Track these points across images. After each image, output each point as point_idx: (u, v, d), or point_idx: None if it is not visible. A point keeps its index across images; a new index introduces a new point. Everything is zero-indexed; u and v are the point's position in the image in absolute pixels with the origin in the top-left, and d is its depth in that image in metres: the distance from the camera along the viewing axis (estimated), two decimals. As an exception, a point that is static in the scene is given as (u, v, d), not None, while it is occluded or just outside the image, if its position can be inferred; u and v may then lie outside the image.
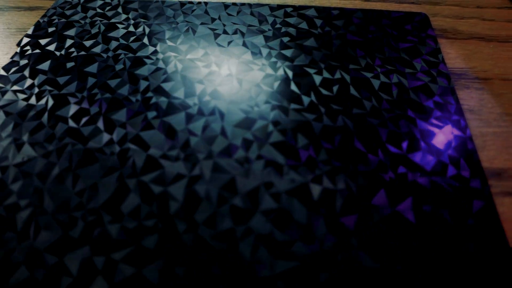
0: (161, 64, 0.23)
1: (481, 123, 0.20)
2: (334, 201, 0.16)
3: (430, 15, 0.27)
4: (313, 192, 0.17)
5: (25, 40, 0.25)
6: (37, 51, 0.24)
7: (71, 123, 0.20)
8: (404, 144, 0.18)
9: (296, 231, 0.16)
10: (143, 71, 0.22)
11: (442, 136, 0.19)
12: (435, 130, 0.19)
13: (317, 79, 0.22)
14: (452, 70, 0.23)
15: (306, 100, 0.21)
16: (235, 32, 0.25)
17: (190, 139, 0.19)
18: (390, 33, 0.25)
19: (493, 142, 0.19)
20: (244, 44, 0.24)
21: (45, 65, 0.23)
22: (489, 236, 0.15)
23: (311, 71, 0.22)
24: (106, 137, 0.19)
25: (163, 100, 0.21)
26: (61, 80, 0.22)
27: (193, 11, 0.27)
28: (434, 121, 0.19)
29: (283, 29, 0.25)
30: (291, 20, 0.26)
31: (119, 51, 0.24)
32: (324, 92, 0.21)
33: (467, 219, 0.16)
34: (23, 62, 0.23)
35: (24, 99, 0.21)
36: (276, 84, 0.21)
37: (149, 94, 0.21)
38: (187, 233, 0.15)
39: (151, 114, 0.20)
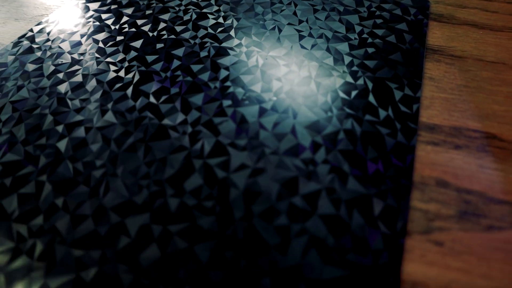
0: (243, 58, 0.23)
1: (436, 89, 0.21)
2: (396, 220, 0.15)
3: (432, 2, 0.28)
4: (375, 206, 0.16)
5: (125, 18, 0.27)
6: (133, 29, 0.26)
7: (152, 99, 0.21)
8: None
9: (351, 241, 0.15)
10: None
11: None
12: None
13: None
14: (430, 46, 0.24)
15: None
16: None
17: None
18: (386, 9, 0.27)
19: (439, 105, 0.20)
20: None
21: (137, 43, 0.25)
22: (397, 172, 0.17)
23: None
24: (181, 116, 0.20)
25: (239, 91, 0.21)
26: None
27: (282, 10, 0.27)
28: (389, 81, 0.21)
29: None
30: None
31: (206, 39, 0.25)
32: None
33: (387, 159, 0.18)
34: (120, 38, 0.26)
35: (115, 71, 0.23)
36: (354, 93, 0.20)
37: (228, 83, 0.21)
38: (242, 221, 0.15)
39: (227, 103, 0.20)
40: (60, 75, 0.23)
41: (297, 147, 0.18)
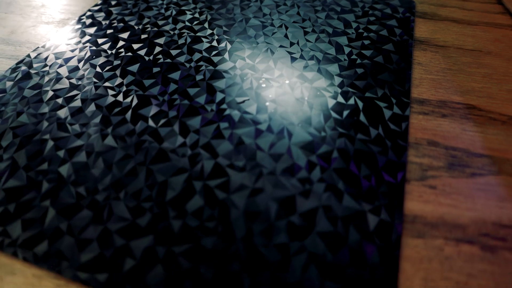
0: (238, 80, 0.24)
1: (424, 72, 0.25)
2: (390, 234, 0.16)
3: (417, 2, 0.32)
4: (369, 221, 0.16)
5: (121, 43, 0.28)
6: (129, 54, 0.26)
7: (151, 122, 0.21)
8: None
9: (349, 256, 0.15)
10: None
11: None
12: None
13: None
14: (417, 38, 0.28)
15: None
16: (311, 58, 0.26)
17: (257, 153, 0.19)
18: (378, 9, 0.31)
19: (427, 84, 0.24)
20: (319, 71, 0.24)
21: (134, 67, 0.25)
22: (394, 135, 0.21)
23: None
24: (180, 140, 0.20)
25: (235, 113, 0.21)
26: (146, 82, 0.24)
27: (273, 33, 0.28)
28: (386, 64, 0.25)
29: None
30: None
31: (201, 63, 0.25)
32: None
33: (383, 123, 0.21)
34: (116, 62, 0.26)
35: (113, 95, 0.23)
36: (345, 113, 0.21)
37: (224, 106, 0.22)
38: (242, 242, 0.16)
39: (223, 125, 0.21)
40: (59, 100, 0.23)
41: (310, 119, 0.21)
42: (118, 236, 0.16)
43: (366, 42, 0.27)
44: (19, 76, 0.25)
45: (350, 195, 0.17)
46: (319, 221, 0.16)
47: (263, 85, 0.23)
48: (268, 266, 0.15)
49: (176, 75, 0.25)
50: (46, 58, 0.27)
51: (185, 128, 0.21)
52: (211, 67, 0.25)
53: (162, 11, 0.32)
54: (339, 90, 0.23)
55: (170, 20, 0.31)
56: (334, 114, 0.21)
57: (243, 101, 0.22)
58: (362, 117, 0.21)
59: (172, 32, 0.29)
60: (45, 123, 0.22)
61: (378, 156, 0.19)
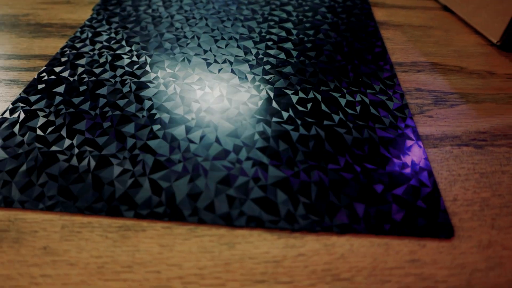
0: (162, 88, 0.26)
1: (393, 44, 0.33)
2: (309, 190, 0.20)
3: (367, -4, 0.41)
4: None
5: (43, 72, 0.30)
6: (53, 77, 0.27)
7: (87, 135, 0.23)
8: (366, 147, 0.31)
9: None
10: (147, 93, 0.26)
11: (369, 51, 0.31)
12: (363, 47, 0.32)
13: (294, 98, 0.26)
14: (378, 21, 0.36)
15: (285, 114, 0.24)
16: (224, 61, 0.29)
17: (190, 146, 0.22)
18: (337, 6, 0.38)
19: (399, 51, 0.32)
20: (232, 71, 0.28)
21: (60, 88, 0.26)
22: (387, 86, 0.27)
23: (289, 92, 0.26)
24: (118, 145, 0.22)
25: (165, 116, 0.24)
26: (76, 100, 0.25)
27: (187, 44, 0.31)
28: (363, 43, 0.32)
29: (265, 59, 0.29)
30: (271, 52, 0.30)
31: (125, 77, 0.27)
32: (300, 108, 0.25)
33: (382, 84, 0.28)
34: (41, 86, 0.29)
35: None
36: (260, 103, 0.25)
37: (154, 111, 0.24)
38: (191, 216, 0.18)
39: (156, 127, 0.23)
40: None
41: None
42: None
43: (343, 27, 0.34)
44: None
45: (379, 128, 0.23)
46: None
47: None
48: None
49: (103, 91, 0.26)
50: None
51: (121, 135, 0.23)
52: (135, 80, 0.27)
53: (78, 34, 0.33)
54: (339, 65, 0.29)
55: (87, 42, 0.32)
56: (343, 81, 0.27)
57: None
58: (364, 79, 0.28)
59: (92, 53, 0.30)
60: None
61: (387, 102, 0.26)
